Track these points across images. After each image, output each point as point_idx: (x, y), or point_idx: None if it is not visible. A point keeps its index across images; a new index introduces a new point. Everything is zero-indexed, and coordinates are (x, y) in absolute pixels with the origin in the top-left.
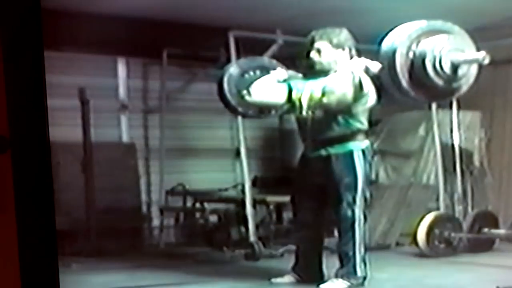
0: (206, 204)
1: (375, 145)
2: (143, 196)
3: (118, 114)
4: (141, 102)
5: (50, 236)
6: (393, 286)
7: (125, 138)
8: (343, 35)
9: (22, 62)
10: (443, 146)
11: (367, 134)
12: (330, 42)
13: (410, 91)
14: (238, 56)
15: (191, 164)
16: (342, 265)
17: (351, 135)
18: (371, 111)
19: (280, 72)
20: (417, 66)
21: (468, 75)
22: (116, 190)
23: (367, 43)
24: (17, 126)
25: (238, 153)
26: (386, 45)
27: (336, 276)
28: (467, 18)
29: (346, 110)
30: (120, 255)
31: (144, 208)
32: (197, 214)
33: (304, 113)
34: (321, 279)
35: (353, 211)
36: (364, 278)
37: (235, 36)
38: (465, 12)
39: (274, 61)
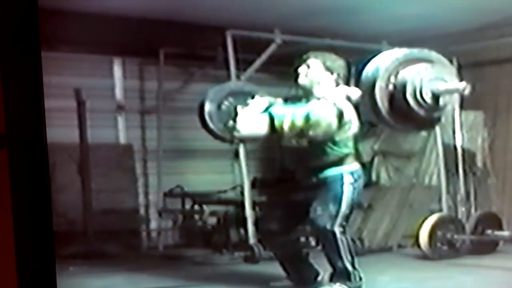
0: (204, 206)
1: (376, 146)
2: (141, 198)
3: (115, 115)
4: (138, 102)
5: (48, 235)
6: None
7: (122, 139)
8: (338, 62)
9: (19, 60)
10: (446, 147)
11: (355, 157)
12: (323, 63)
13: (392, 122)
14: (236, 56)
15: (189, 166)
16: (334, 269)
17: (337, 161)
18: (356, 137)
19: (260, 101)
20: (397, 98)
21: (450, 103)
22: (114, 191)
23: (364, 42)
24: (14, 123)
25: (237, 154)
26: (365, 77)
27: (331, 281)
28: (469, 17)
29: (330, 139)
30: (118, 258)
31: (142, 210)
32: (196, 216)
33: (286, 141)
34: (316, 276)
35: (333, 233)
36: (360, 279)
37: (233, 36)
38: (467, 11)
39: (241, 83)
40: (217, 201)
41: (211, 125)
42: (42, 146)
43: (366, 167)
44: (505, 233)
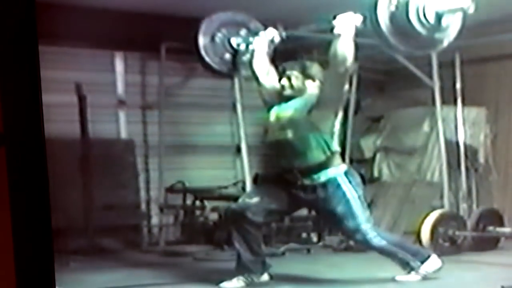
0: (206, 202)
1: (378, 142)
2: (142, 194)
3: (116, 110)
4: (139, 97)
5: (46, 233)
6: (396, 284)
7: (123, 134)
8: (315, 67)
9: (16, 57)
10: (448, 143)
11: (342, 157)
12: (302, 72)
13: (395, 43)
14: None
15: (190, 161)
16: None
17: (327, 161)
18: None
19: (270, 32)
20: (400, 18)
21: (453, 25)
22: (115, 187)
23: (368, 37)
24: (12, 121)
25: (238, 149)
26: None
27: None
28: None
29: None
30: (119, 253)
31: (143, 206)
32: (197, 212)
33: (274, 133)
34: None
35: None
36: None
37: None
38: None
39: (231, 13)
40: (219, 197)
41: (207, 59)
42: (41, 144)
43: (368, 163)
44: (507, 229)
